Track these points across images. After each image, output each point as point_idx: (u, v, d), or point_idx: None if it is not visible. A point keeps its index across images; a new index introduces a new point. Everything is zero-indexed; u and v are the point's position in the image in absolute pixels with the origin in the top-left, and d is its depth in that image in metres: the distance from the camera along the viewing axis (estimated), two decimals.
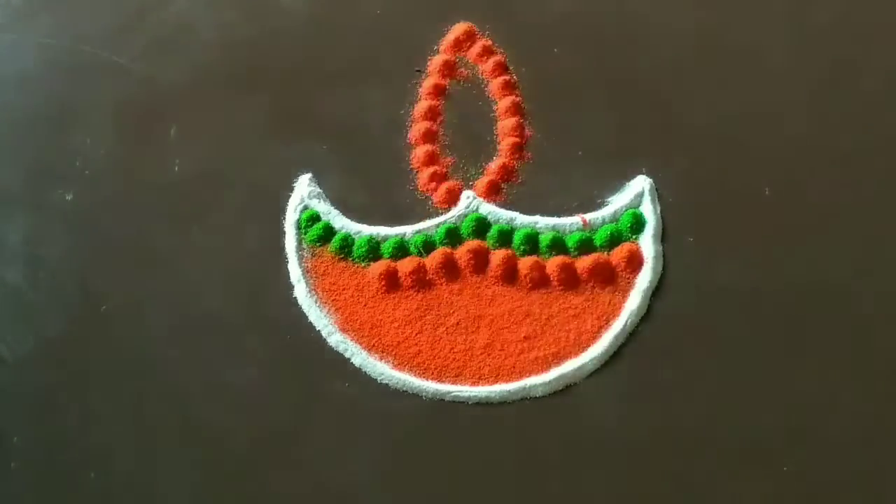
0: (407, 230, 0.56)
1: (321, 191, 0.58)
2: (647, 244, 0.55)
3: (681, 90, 0.59)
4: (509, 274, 0.54)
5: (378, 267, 0.55)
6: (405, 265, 0.55)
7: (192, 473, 0.51)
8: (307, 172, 0.58)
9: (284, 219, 0.57)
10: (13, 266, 0.57)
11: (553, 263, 0.54)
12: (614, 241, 0.55)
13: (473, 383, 0.52)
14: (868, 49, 0.60)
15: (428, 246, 0.56)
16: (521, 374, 0.52)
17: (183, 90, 0.62)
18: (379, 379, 0.53)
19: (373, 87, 0.61)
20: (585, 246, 0.55)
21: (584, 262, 0.54)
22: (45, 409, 0.53)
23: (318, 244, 0.56)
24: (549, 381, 0.52)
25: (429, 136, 0.59)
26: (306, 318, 0.54)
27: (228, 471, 0.51)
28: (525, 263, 0.54)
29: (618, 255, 0.55)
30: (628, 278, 0.54)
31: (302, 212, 0.57)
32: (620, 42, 0.61)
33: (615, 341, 0.53)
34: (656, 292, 0.54)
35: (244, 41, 0.63)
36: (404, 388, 0.53)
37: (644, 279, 0.54)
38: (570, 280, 0.54)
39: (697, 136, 0.58)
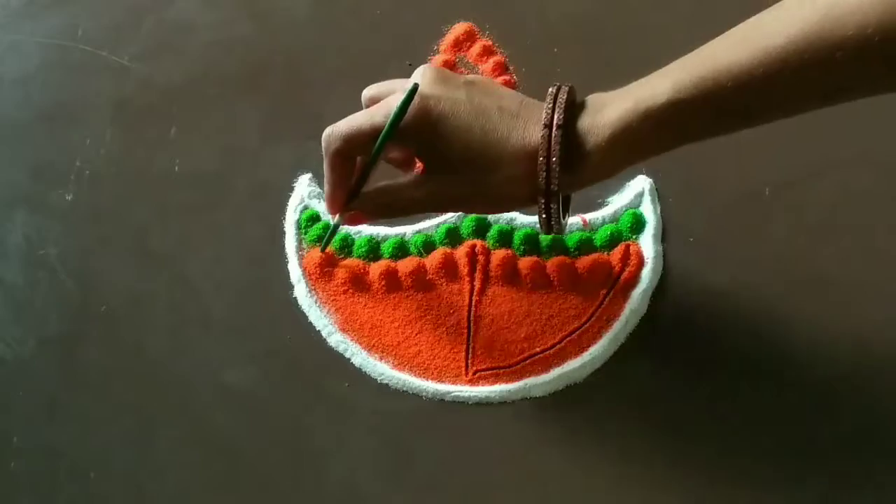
0: (407, 230, 0.56)
1: (321, 191, 0.58)
2: (647, 244, 0.55)
3: None
4: (509, 274, 0.54)
5: (378, 267, 0.55)
6: (405, 265, 0.55)
7: (193, 473, 0.51)
8: (307, 172, 0.58)
9: (284, 219, 0.57)
10: (13, 266, 0.57)
11: (553, 263, 0.54)
12: (614, 241, 0.55)
13: (473, 383, 0.52)
14: None
15: (428, 246, 0.55)
16: (521, 374, 0.52)
17: (183, 90, 0.62)
18: (379, 379, 0.53)
19: None
20: (585, 246, 0.55)
21: (583, 262, 0.54)
22: (45, 409, 0.53)
23: (318, 244, 0.56)
24: (549, 381, 0.52)
25: None
26: (306, 318, 0.54)
27: (228, 471, 0.51)
28: (525, 263, 0.54)
29: (618, 255, 0.55)
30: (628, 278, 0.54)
31: (302, 212, 0.57)
32: (621, 42, 0.61)
33: (615, 341, 0.52)
34: (656, 292, 0.54)
35: (244, 41, 0.63)
36: (404, 388, 0.53)
37: (644, 279, 0.54)
38: (570, 280, 0.54)
39: None
